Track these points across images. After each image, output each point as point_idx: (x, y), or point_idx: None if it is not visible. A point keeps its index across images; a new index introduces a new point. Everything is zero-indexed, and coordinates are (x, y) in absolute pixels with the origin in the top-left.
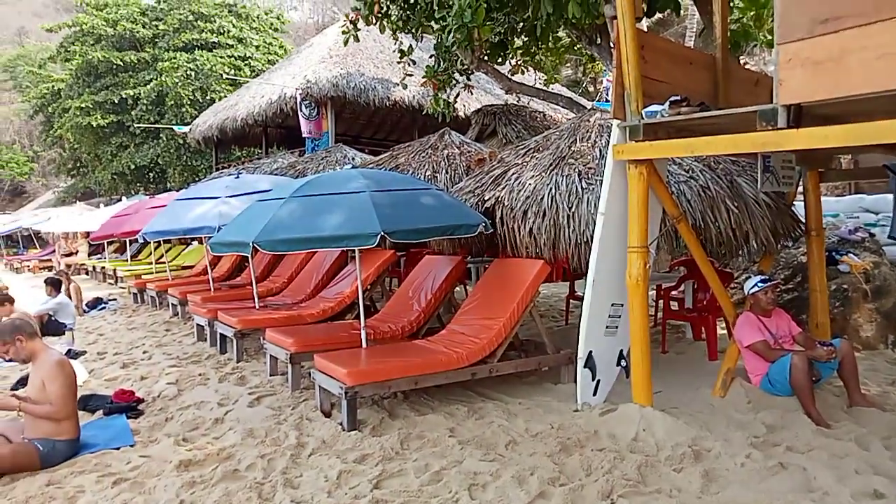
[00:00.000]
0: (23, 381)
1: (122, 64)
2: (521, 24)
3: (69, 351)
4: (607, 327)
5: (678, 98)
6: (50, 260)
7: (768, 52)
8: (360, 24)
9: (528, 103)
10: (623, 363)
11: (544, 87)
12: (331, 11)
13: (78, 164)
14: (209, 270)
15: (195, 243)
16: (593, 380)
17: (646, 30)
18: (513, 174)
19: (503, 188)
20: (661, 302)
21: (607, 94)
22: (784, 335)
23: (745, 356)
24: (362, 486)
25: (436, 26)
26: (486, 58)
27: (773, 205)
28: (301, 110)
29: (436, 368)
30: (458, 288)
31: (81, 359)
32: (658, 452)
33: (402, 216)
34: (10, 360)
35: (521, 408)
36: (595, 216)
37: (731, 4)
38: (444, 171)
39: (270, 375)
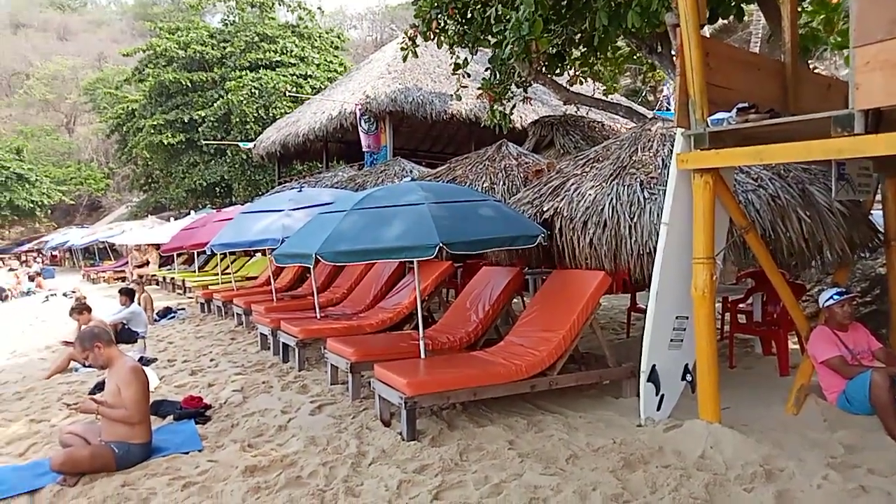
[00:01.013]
0: (99, 386)
1: (191, 84)
2: (579, 35)
3: (141, 358)
4: (672, 340)
5: (746, 105)
6: (124, 271)
7: (839, 56)
8: (419, 40)
9: (587, 113)
10: (688, 377)
11: (603, 97)
12: (388, 29)
13: (150, 180)
14: (272, 281)
15: (258, 255)
16: (657, 394)
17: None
18: (572, 185)
19: (562, 199)
20: (727, 315)
21: (668, 103)
22: (862, 350)
23: (820, 372)
24: (422, 496)
25: (492, 40)
26: (543, 69)
27: (849, 214)
28: (360, 125)
29: (495, 380)
30: (515, 300)
31: (153, 366)
32: (727, 471)
33: (461, 227)
34: (89, 366)
35: (581, 421)
36: (657, 226)
37: (800, 8)
38: (501, 183)
39: (331, 384)
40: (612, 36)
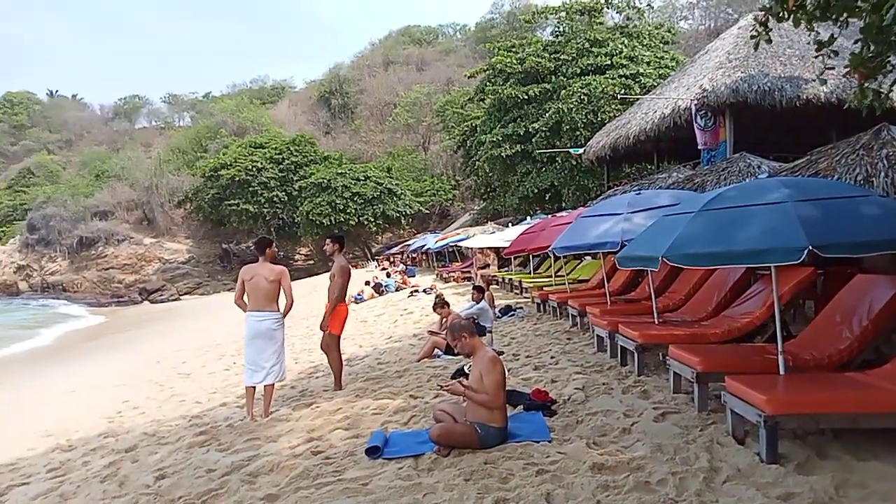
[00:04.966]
0: (459, 371)
1: (526, 97)
2: None
3: None
4: None
5: None
6: (469, 271)
7: None
8: (770, 23)
9: None
10: None
11: None
12: (724, 14)
13: (488, 190)
14: (605, 284)
15: (588, 258)
16: None
17: None
18: None
19: None
20: None
21: None
22: None
23: None
24: None
25: (864, 5)
26: None
27: None
28: (696, 121)
29: (881, 408)
30: None
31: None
32: None
33: (836, 228)
34: (453, 353)
35: None
36: None
37: None
38: (882, 175)
39: (674, 392)
40: None
